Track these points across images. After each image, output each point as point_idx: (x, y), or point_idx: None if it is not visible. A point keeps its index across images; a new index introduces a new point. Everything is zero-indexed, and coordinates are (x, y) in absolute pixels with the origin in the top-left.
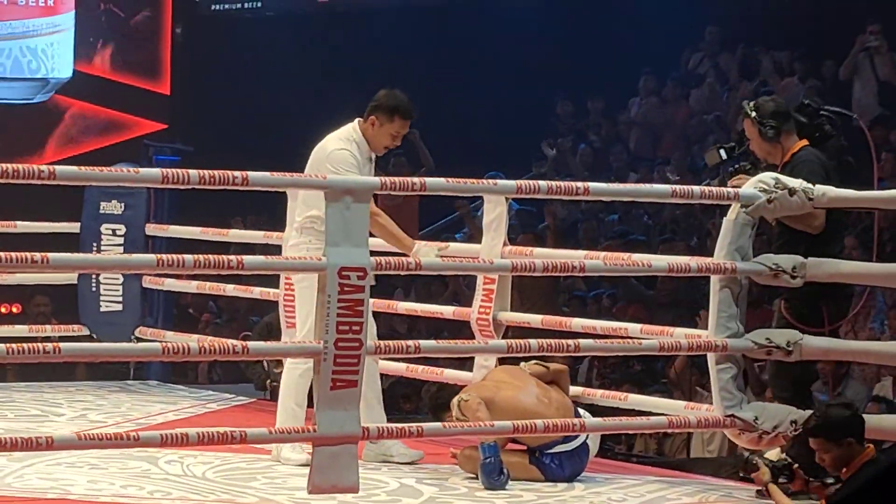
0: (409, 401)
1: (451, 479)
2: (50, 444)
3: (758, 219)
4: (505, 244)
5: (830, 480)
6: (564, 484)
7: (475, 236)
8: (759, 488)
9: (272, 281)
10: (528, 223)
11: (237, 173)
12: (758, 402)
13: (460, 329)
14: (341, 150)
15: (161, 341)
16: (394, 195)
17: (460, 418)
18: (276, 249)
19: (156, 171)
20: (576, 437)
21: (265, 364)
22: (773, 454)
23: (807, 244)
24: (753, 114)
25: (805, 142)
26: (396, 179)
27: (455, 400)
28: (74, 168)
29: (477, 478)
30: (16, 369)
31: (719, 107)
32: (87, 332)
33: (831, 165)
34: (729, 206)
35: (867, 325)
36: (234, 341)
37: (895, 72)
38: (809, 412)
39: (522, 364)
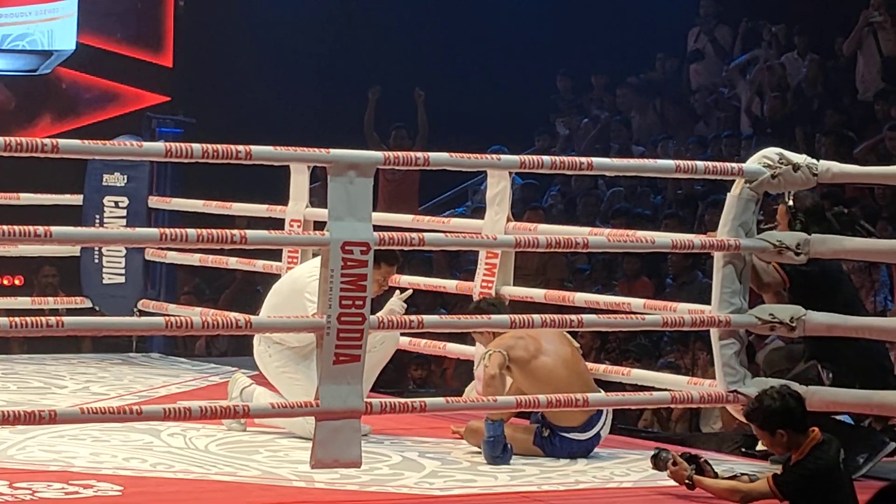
0: (420, 368)
1: (454, 452)
2: (53, 418)
3: (762, 195)
4: (508, 219)
5: (742, 472)
6: (567, 459)
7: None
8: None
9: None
10: (531, 198)
11: (240, 147)
12: (760, 377)
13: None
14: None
15: (164, 314)
16: (396, 170)
17: (486, 366)
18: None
19: (159, 145)
20: (593, 426)
21: None
22: None
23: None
24: (790, 203)
25: None
26: (400, 154)
27: (488, 348)
28: (77, 141)
29: (480, 451)
30: (21, 341)
31: (718, 81)
32: (90, 305)
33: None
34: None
35: (869, 298)
36: (238, 315)
37: None
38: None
39: None
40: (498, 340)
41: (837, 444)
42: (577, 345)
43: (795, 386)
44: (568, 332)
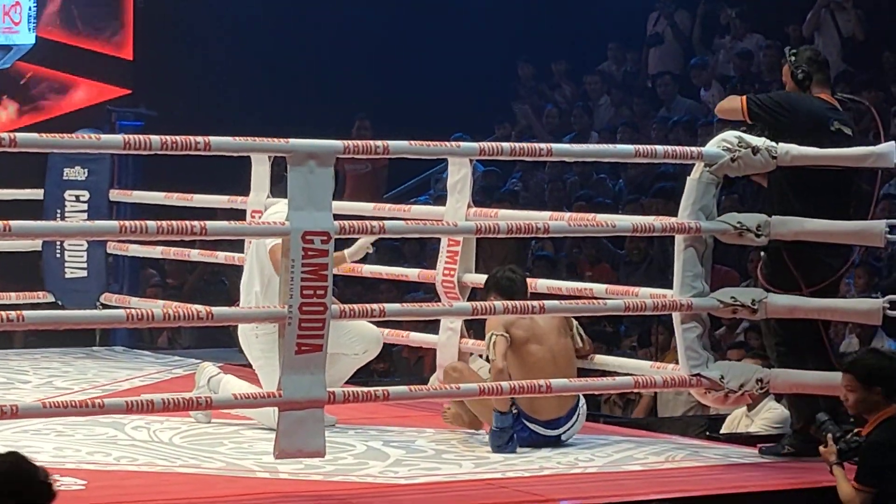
0: (382, 361)
1: (418, 441)
2: (15, 413)
3: (722, 177)
4: (469, 206)
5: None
6: (527, 448)
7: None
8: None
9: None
10: (493, 185)
11: (199, 138)
12: (723, 360)
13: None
14: None
15: (125, 307)
16: (361, 160)
17: (493, 359)
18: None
19: (118, 138)
20: (559, 427)
21: None
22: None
23: (806, 206)
24: (792, 59)
25: (834, 101)
26: (359, 143)
27: (491, 333)
28: (35, 135)
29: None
30: None
31: (677, 65)
32: (52, 299)
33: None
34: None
35: (844, 280)
36: (199, 307)
37: (859, 28)
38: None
39: None
40: (500, 318)
41: None
42: (582, 343)
43: None
44: (577, 327)
